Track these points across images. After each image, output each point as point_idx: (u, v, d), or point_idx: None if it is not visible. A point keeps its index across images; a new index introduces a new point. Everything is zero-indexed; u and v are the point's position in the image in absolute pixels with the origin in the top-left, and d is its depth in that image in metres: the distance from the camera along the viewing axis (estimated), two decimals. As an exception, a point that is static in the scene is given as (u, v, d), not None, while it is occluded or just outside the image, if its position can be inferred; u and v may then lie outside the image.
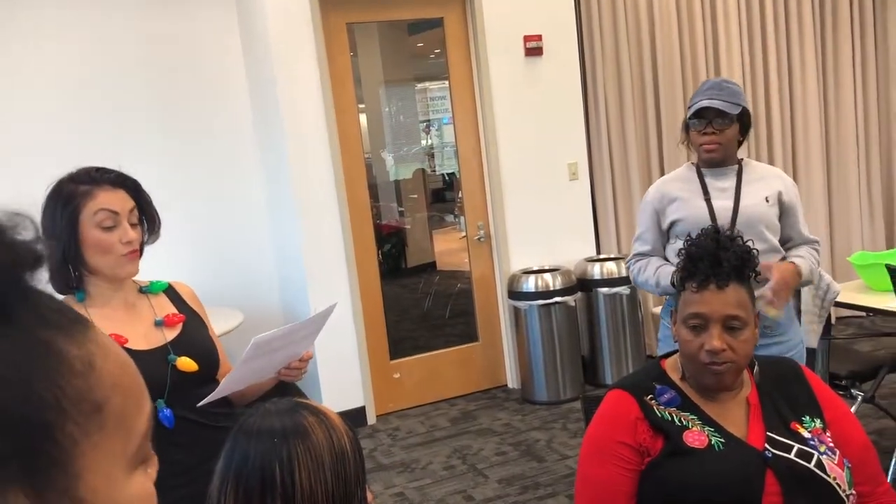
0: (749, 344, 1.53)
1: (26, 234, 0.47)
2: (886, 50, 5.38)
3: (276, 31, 4.09)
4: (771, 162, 5.13)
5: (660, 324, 2.68)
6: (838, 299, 3.40)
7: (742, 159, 2.57)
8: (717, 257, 1.53)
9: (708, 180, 2.52)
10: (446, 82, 4.66)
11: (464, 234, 4.81)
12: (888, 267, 3.06)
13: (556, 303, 4.43)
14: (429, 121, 5.34)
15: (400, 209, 5.69)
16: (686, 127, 2.53)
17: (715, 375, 1.52)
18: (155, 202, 1.64)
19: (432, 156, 5.56)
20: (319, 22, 4.17)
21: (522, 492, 3.45)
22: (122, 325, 1.56)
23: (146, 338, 1.57)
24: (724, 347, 1.49)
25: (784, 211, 2.50)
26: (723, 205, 2.46)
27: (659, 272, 2.51)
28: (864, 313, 3.63)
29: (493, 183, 4.62)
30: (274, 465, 0.98)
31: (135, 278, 1.63)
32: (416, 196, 5.70)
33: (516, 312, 4.56)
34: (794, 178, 5.24)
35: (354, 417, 4.38)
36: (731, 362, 1.51)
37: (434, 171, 5.63)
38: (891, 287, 3.12)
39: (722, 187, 2.50)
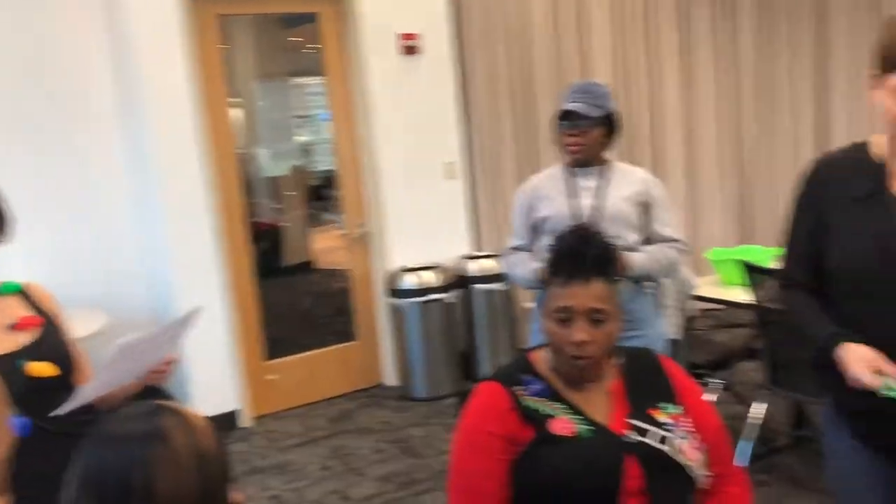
0: (612, 336, 1.60)
1: None
2: (737, 51, 5.74)
3: (141, 21, 3.91)
4: (637, 161, 5.38)
5: (533, 316, 2.76)
6: (697, 293, 3.61)
7: (609, 160, 2.67)
8: (580, 252, 1.59)
9: (575, 179, 2.63)
10: (322, 78, 4.61)
11: (343, 231, 4.77)
12: (745, 263, 3.27)
13: (435, 300, 4.47)
14: (306, 116, 5.26)
15: (277, 206, 5.58)
16: (555, 127, 2.62)
17: (579, 366, 1.58)
18: (9, 199, 1.53)
19: (309, 152, 5.48)
20: (189, 13, 4.02)
21: (400, 488, 3.47)
22: None
23: None
24: (588, 340, 1.55)
25: (645, 211, 2.62)
26: (585, 203, 2.58)
27: (527, 267, 2.62)
28: (721, 306, 3.87)
29: (372, 180, 4.60)
30: (130, 471, 0.94)
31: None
32: (293, 193, 5.60)
33: (395, 310, 4.56)
34: (658, 176, 5.51)
35: (227, 421, 4.26)
36: (593, 355, 1.57)
37: (311, 168, 5.55)
38: (741, 281, 3.34)
39: (586, 186, 2.61)
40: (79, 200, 4.37)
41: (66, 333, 1.59)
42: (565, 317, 1.56)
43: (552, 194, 2.65)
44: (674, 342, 3.40)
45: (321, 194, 5.66)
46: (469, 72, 4.82)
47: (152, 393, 1.60)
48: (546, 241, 2.60)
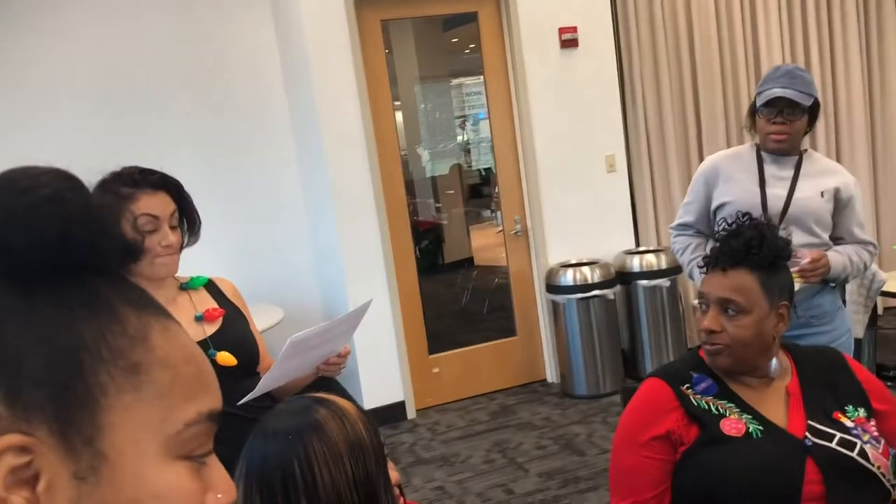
0: (747, 330, 1.51)
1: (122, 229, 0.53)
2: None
3: (312, 30, 4.13)
4: (820, 147, 5.04)
5: None
6: (885, 288, 3.33)
7: (806, 150, 2.51)
8: (725, 241, 1.56)
9: (766, 166, 2.47)
10: (481, 77, 4.66)
11: (500, 228, 4.81)
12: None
13: (595, 296, 4.41)
14: (465, 116, 5.35)
15: (437, 205, 5.71)
16: (752, 112, 2.47)
17: (710, 356, 1.55)
18: (196, 203, 1.67)
19: (468, 151, 5.57)
20: (354, 20, 4.20)
21: (563, 485, 3.45)
22: None
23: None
24: (715, 329, 1.51)
25: (839, 208, 2.44)
26: (776, 193, 2.42)
27: (687, 256, 2.56)
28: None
29: (530, 177, 4.61)
30: (292, 463, 1.01)
31: (176, 276, 1.66)
32: (452, 192, 5.71)
33: (555, 306, 4.54)
34: (842, 163, 5.13)
35: (394, 412, 4.41)
36: (724, 345, 1.52)
37: (470, 166, 5.64)
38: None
39: (779, 176, 2.45)
40: (258, 205, 4.69)
41: (247, 324, 1.71)
42: (703, 304, 1.57)
43: (739, 177, 2.48)
44: (859, 341, 3.17)
45: (481, 192, 5.74)
46: (630, 63, 4.71)
47: (324, 384, 1.70)
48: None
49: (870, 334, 3.28)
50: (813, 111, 2.43)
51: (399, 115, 4.95)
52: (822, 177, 2.45)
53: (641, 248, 4.69)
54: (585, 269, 4.46)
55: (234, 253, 4.60)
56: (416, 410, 4.53)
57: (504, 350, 4.80)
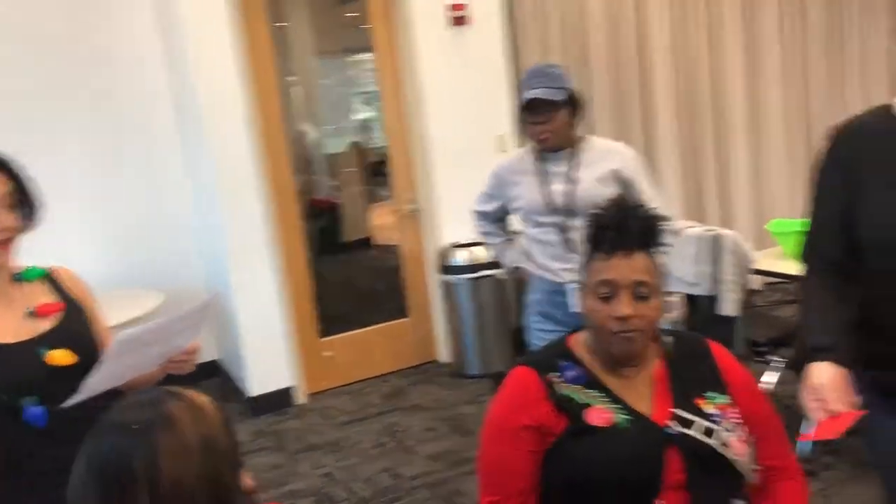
0: (657, 311, 1.51)
1: None
2: (804, 9, 5.44)
3: (188, 1, 3.91)
4: (698, 129, 5.19)
5: (529, 309, 2.82)
6: (759, 266, 3.45)
7: (583, 138, 2.62)
8: (623, 224, 1.50)
9: (545, 164, 2.60)
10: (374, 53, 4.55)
11: (395, 207, 4.73)
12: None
13: (486, 276, 4.41)
14: (364, 93, 5.22)
15: (334, 183, 5.57)
16: (520, 115, 2.57)
17: (624, 343, 1.49)
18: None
19: (367, 129, 5.45)
20: (235, -10, 4.00)
21: (451, 467, 3.44)
22: None
23: (15, 330, 1.46)
24: (633, 314, 1.47)
25: (626, 188, 2.55)
26: (557, 190, 2.56)
27: (505, 255, 2.90)
28: (786, 280, 3.69)
29: (422, 156, 4.54)
30: (135, 458, 0.93)
31: (10, 265, 1.51)
32: (351, 170, 5.58)
33: (447, 286, 4.52)
34: (719, 145, 5.31)
35: (282, 398, 4.31)
36: (640, 330, 1.49)
37: (369, 144, 5.52)
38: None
39: (558, 171, 2.58)
40: (133, 181, 4.45)
41: (90, 319, 1.58)
42: (608, 292, 1.49)
43: (523, 181, 2.63)
44: (733, 319, 3.28)
45: (379, 171, 5.64)
46: (520, 43, 4.69)
47: (213, 372, 1.58)
48: (529, 229, 2.70)
49: (744, 312, 3.38)
50: (573, 103, 2.55)
51: (296, 91, 4.78)
52: (599, 163, 2.56)
53: (532, 228, 4.71)
54: (477, 249, 4.44)
55: (112, 234, 4.37)
56: (309, 395, 4.44)
57: (397, 331, 4.75)
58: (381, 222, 5.54)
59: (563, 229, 2.58)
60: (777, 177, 5.51)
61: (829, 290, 1.60)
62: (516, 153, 2.76)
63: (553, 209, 2.57)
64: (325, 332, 4.59)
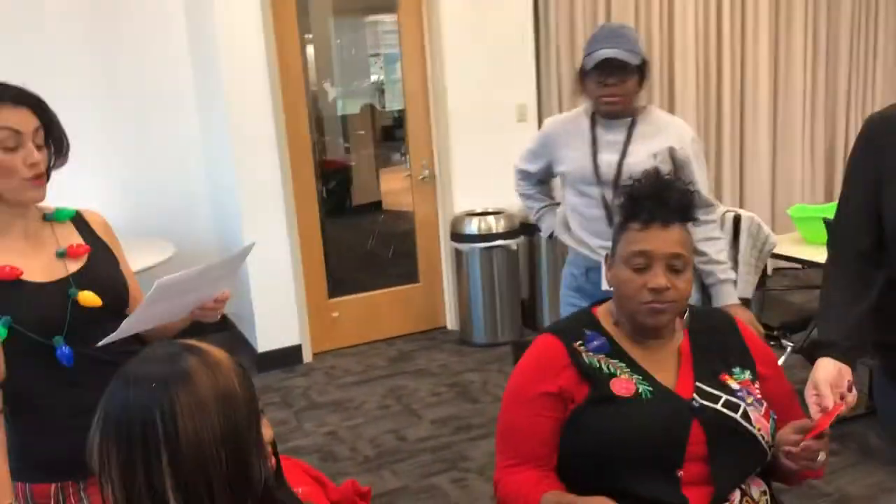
0: (689, 285, 1.50)
1: None
2: (839, 7, 5.37)
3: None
4: (720, 113, 5.13)
5: (565, 282, 2.64)
6: (775, 251, 3.43)
7: (645, 107, 2.45)
8: (660, 197, 1.49)
9: (599, 131, 2.42)
10: (395, 14, 4.49)
11: (409, 173, 4.71)
12: (826, 221, 3.08)
13: (498, 246, 4.40)
14: (380, 55, 5.16)
15: (346, 145, 5.54)
16: (581, 76, 2.38)
17: (655, 315, 1.48)
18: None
19: (383, 92, 5.40)
20: (261, -58, 3.94)
21: (455, 432, 3.46)
22: (19, 256, 1.43)
23: (45, 269, 1.45)
24: (668, 286, 1.46)
25: (677, 167, 2.39)
26: (607, 160, 2.39)
27: (546, 221, 2.75)
28: (799, 266, 3.67)
29: (440, 121, 4.51)
30: (154, 413, 0.93)
31: (39, 205, 1.50)
32: (363, 132, 5.54)
33: (458, 254, 4.51)
34: (741, 131, 5.26)
35: (290, 355, 4.32)
36: (673, 301, 1.48)
37: (384, 107, 5.48)
38: (825, 241, 3.15)
39: (611, 140, 2.40)
40: (150, 133, 4.43)
41: (115, 263, 1.57)
42: (643, 263, 1.47)
43: (574, 144, 2.45)
44: (748, 301, 3.26)
45: (393, 135, 5.60)
46: (546, 12, 4.63)
47: (220, 326, 1.58)
48: (571, 198, 2.52)
49: (758, 295, 3.37)
50: (642, 70, 2.35)
51: (311, 50, 4.72)
52: (656, 137, 2.38)
53: (547, 200, 4.68)
54: (490, 218, 4.43)
55: (124, 183, 4.36)
56: (314, 354, 4.45)
57: (406, 296, 4.75)
58: (393, 187, 5.52)
59: (608, 204, 2.40)
60: (798, 161, 5.46)
61: (852, 283, 1.57)
62: (571, 112, 2.55)
63: (600, 180, 2.40)
64: (333, 293, 4.59)
